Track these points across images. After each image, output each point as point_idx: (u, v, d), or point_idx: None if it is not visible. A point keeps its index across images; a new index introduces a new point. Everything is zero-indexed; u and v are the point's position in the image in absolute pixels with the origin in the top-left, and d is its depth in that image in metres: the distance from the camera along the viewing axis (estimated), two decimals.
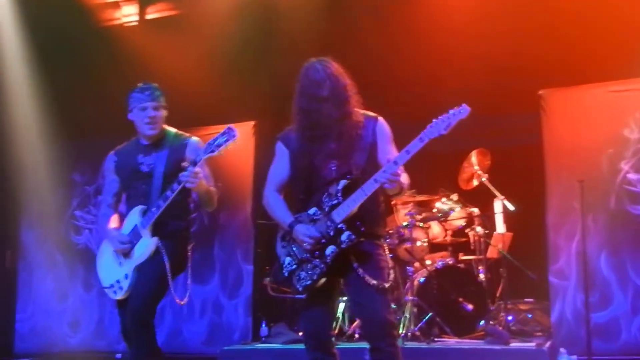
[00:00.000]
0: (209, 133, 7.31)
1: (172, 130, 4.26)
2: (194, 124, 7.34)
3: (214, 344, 6.79)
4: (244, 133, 7.13)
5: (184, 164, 3.85)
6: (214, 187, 4.15)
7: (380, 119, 3.56)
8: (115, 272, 4.08)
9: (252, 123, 7.20)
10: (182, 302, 4.07)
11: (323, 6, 6.62)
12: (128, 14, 7.68)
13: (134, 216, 4.06)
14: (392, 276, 3.44)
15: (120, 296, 4.04)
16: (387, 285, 3.37)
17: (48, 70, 7.45)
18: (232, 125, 3.80)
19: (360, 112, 3.52)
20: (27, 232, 7.96)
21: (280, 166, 3.60)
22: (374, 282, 3.32)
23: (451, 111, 3.23)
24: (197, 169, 3.82)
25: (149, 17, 7.70)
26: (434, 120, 3.24)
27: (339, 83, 3.45)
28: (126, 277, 4.01)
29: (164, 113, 4.20)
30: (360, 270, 3.33)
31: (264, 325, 6.59)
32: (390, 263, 3.55)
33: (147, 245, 3.97)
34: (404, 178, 3.41)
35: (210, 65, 7.00)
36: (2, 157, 7.54)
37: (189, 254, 4.14)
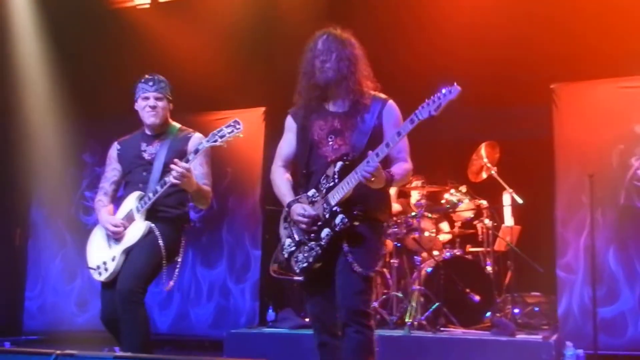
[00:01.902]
0: (219, 118, 7.43)
1: (177, 125, 4.31)
2: (204, 109, 7.40)
3: (221, 327, 6.83)
4: (254, 119, 7.20)
5: (176, 160, 3.86)
6: (208, 187, 4.14)
7: (390, 101, 3.51)
8: (103, 254, 4.09)
9: (262, 109, 7.21)
10: (167, 288, 4.08)
11: None
12: None
13: (131, 200, 4.09)
14: (379, 264, 3.41)
15: (104, 278, 4.03)
16: (371, 274, 3.34)
17: (60, 49, 7.47)
18: (238, 119, 3.83)
19: (370, 92, 3.48)
20: (37, 210, 8.00)
21: (288, 141, 3.61)
22: (359, 269, 3.29)
23: (442, 90, 3.15)
24: (187, 165, 3.85)
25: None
26: (425, 101, 3.18)
27: (345, 53, 3.43)
28: (113, 259, 4.02)
29: (167, 104, 4.24)
30: (350, 256, 3.30)
31: (270, 310, 6.62)
32: (384, 250, 3.52)
33: (138, 228, 4.00)
34: (402, 169, 3.37)
35: (221, 50, 7.00)
36: (14, 135, 7.57)
37: (182, 243, 4.14)
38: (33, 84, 7.47)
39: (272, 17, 6.95)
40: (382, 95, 3.52)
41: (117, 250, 4.02)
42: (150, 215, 4.04)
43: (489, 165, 6.64)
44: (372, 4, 6.71)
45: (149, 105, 4.16)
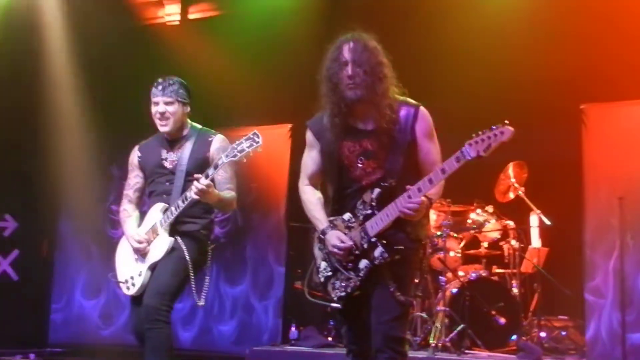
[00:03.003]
0: (245, 134, 7.47)
1: (198, 126, 4.13)
2: (231, 125, 7.42)
3: (243, 344, 6.80)
4: (280, 135, 7.22)
5: (196, 175, 3.74)
6: (231, 191, 3.99)
7: (421, 109, 3.28)
8: (130, 269, 4.05)
9: (288, 126, 7.23)
10: (200, 303, 3.97)
11: (362, 9, 6.63)
12: (171, 13, 7.77)
13: (154, 213, 4.00)
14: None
15: (132, 292, 4.00)
16: (411, 300, 3.27)
17: (91, 64, 7.56)
18: (257, 131, 3.65)
19: (398, 99, 3.26)
20: (65, 223, 8.08)
21: (312, 158, 3.42)
22: (402, 298, 3.18)
23: (494, 130, 2.94)
24: (207, 182, 3.70)
25: (191, 16, 7.78)
26: (474, 138, 2.97)
27: (373, 64, 3.20)
28: (140, 274, 3.98)
29: (182, 108, 4.03)
30: (391, 284, 3.17)
31: (293, 328, 6.59)
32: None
33: (162, 244, 3.93)
34: (435, 189, 3.18)
35: (249, 67, 7.05)
36: (43, 147, 7.66)
37: (209, 255, 4.07)
38: (63, 97, 7.58)
39: (299, 33, 6.97)
40: (412, 102, 3.29)
41: (143, 266, 3.99)
42: (174, 227, 3.96)
43: (516, 185, 6.57)
44: (400, 27, 6.69)
45: (158, 111, 3.99)
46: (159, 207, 4.01)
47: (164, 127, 4.02)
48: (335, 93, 3.24)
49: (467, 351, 5.70)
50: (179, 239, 3.95)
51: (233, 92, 6.97)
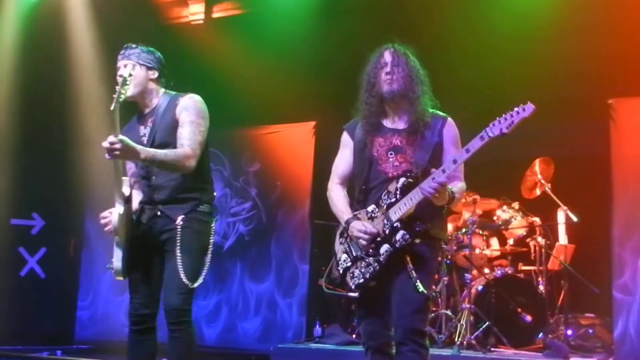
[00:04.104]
0: (270, 132, 7.50)
1: (172, 93, 3.80)
2: (255, 122, 7.47)
3: (268, 341, 6.82)
4: (304, 133, 7.23)
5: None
6: (185, 147, 3.57)
7: (449, 119, 3.48)
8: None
9: (312, 123, 7.23)
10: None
11: (385, 6, 6.60)
12: (195, 12, 7.80)
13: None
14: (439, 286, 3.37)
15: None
16: (432, 294, 3.33)
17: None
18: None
19: (429, 111, 3.43)
20: (90, 222, 8.15)
21: (344, 157, 3.56)
22: (423, 290, 3.24)
23: (515, 109, 3.11)
24: (113, 139, 3.34)
25: (215, 15, 7.80)
26: (497, 119, 3.13)
27: (410, 70, 3.39)
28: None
29: (145, 72, 3.74)
30: (414, 274, 3.25)
31: (317, 326, 6.58)
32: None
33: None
34: (458, 187, 3.33)
35: (272, 65, 7.04)
36: (69, 147, 7.74)
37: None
38: (88, 97, 7.63)
39: (322, 32, 6.97)
40: (441, 113, 3.48)
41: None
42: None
43: (542, 181, 6.51)
44: (427, 24, 6.66)
45: (118, 74, 3.63)
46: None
47: (127, 92, 3.54)
48: (372, 92, 3.42)
49: (492, 349, 5.66)
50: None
51: (257, 90, 6.98)
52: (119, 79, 3.51)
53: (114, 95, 3.37)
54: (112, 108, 3.39)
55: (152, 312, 3.78)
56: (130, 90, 3.57)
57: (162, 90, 3.83)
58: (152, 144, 3.68)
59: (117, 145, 3.40)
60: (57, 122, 7.66)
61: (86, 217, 8.16)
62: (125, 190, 3.72)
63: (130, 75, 3.45)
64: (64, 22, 7.52)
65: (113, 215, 3.70)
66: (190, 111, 3.66)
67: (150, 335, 3.80)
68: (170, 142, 3.65)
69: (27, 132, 7.56)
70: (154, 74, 3.79)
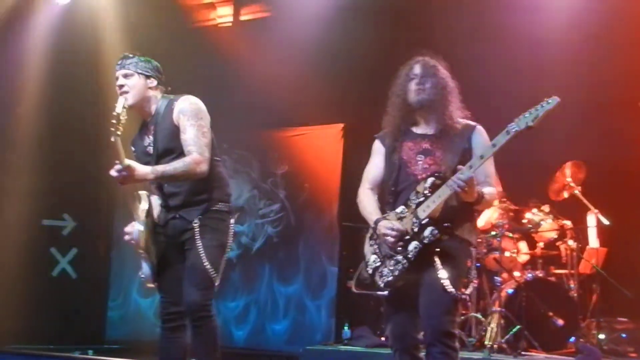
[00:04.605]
0: (298, 134, 7.51)
1: (169, 97, 3.81)
2: (283, 125, 7.48)
3: (296, 343, 6.83)
4: (332, 135, 7.23)
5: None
6: (194, 153, 3.59)
7: (479, 126, 3.50)
8: None
9: (340, 125, 7.22)
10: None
11: (412, 8, 6.58)
12: (223, 15, 7.84)
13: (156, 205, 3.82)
14: (470, 289, 3.36)
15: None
16: (462, 295, 3.31)
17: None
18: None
19: (460, 120, 3.47)
20: (121, 222, 8.21)
21: (375, 164, 3.60)
22: (452, 290, 3.24)
23: (541, 103, 3.11)
24: (119, 167, 3.43)
25: (243, 18, 7.83)
26: (522, 113, 3.12)
27: (440, 81, 3.44)
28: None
29: (143, 81, 3.76)
30: (442, 272, 3.25)
31: (346, 328, 6.58)
32: (471, 275, 3.46)
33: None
34: (488, 190, 3.32)
35: (300, 67, 7.06)
36: (98, 149, 7.81)
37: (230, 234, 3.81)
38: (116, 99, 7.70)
39: (350, 34, 6.96)
40: (471, 122, 3.51)
41: None
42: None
43: (572, 184, 6.42)
44: (459, 28, 6.61)
45: (117, 85, 3.72)
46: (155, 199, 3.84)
47: (127, 101, 3.68)
48: (402, 103, 3.48)
49: (523, 353, 5.59)
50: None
51: (286, 93, 6.99)
52: (118, 89, 3.67)
53: (112, 129, 3.44)
54: (112, 139, 3.46)
55: (182, 310, 3.81)
56: (130, 100, 3.68)
57: (160, 95, 3.86)
58: (157, 152, 3.74)
59: (125, 173, 3.50)
60: (89, 123, 7.74)
61: (117, 218, 8.25)
62: (144, 205, 3.78)
63: (124, 107, 3.53)
64: (94, 25, 7.60)
65: (134, 231, 3.76)
66: (187, 114, 3.68)
67: (181, 334, 3.84)
68: (173, 147, 3.68)
69: (59, 134, 7.67)
70: (152, 82, 3.82)
